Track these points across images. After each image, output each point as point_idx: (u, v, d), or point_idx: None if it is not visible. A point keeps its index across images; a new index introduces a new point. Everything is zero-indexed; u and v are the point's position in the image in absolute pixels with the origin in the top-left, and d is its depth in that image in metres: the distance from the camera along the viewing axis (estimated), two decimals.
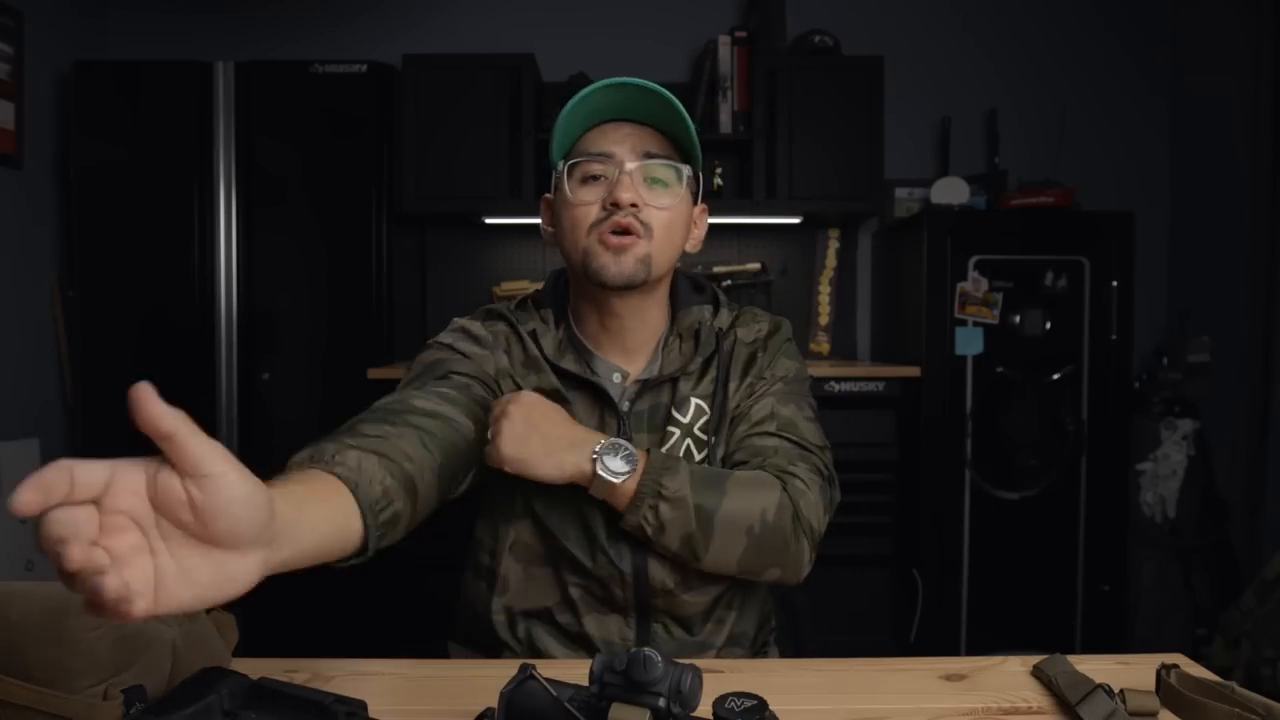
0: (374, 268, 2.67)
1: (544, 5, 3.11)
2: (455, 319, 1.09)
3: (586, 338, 1.06)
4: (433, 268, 3.13)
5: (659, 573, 0.99)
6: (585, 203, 0.98)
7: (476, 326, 1.06)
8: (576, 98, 0.96)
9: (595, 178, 0.98)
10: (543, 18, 3.10)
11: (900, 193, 3.02)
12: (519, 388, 1.01)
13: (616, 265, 0.97)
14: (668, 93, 0.95)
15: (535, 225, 3.00)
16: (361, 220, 2.67)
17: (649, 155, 0.98)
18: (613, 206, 0.96)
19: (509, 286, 2.99)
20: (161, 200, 2.64)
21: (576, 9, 3.11)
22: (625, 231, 0.96)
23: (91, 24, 2.99)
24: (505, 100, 2.78)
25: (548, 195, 1.07)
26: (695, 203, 1.06)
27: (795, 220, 2.98)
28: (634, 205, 0.96)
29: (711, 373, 1.06)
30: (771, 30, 2.86)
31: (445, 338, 1.05)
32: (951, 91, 3.10)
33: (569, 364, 1.03)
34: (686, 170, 1.00)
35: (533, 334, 1.04)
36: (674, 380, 1.04)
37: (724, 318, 1.09)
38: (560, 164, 0.99)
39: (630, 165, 0.97)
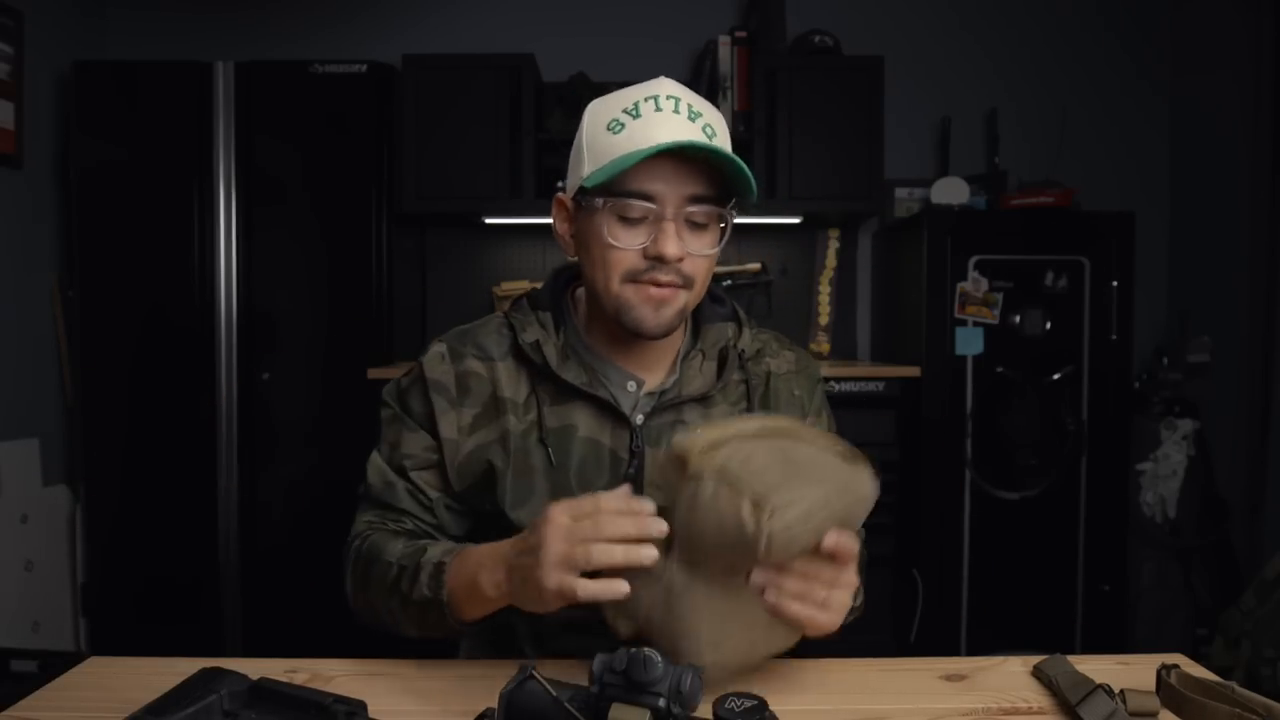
0: (374, 268, 2.67)
1: (544, 5, 3.11)
2: (427, 353, 1.03)
3: (597, 344, 1.02)
4: (433, 268, 3.13)
5: None
6: (624, 246, 0.91)
7: (437, 368, 1.01)
8: (652, 148, 0.86)
9: (635, 214, 0.91)
10: (542, 17, 3.10)
11: (900, 193, 3.02)
12: (499, 410, 0.99)
13: (656, 319, 0.93)
14: (737, 160, 0.88)
15: (535, 225, 3.02)
16: (361, 220, 2.67)
17: (695, 199, 0.91)
18: (656, 259, 0.91)
19: (509, 286, 2.99)
20: (161, 200, 2.64)
21: (576, 9, 3.11)
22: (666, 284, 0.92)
23: (91, 24, 2.99)
24: (505, 100, 2.78)
25: (562, 196, 1.00)
26: None
27: (795, 220, 2.98)
28: (679, 259, 0.91)
29: (742, 402, 1.03)
30: (771, 30, 2.86)
31: (411, 400, 1.01)
32: (951, 91, 3.10)
33: (572, 375, 0.98)
34: (732, 214, 0.94)
35: (535, 345, 0.98)
36: (701, 401, 1.00)
37: (746, 338, 1.05)
38: (599, 200, 0.91)
39: (673, 211, 0.90)
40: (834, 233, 3.11)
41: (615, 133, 0.90)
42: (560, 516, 0.75)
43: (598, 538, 0.73)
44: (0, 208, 2.61)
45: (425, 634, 0.92)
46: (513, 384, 0.99)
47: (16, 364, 2.65)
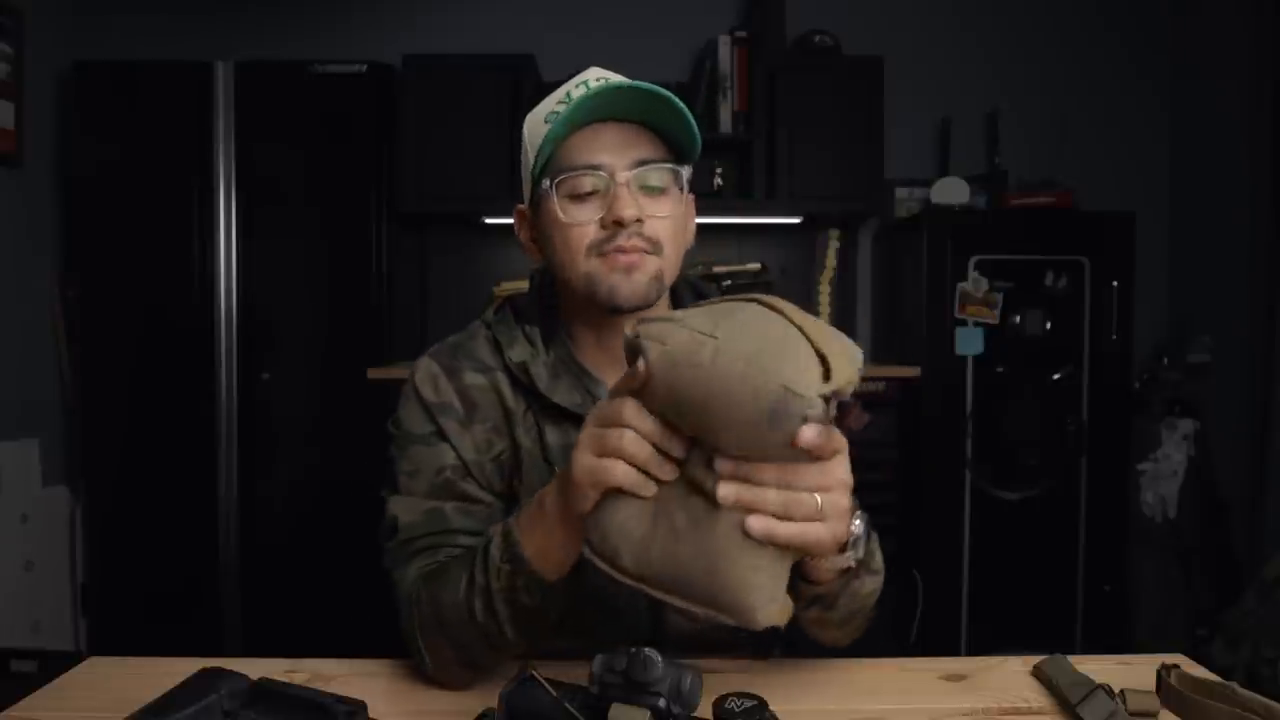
0: (374, 268, 2.67)
1: (544, 5, 3.11)
2: (418, 374, 0.96)
3: (584, 358, 0.96)
4: (433, 268, 3.13)
5: (676, 618, 0.94)
6: (580, 222, 0.88)
7: (435, 390, 0.94)
8: (569, 109, 0.85)
9: (585, 191, 0.88)
10: (542, 17, 3.10)
11: (900, 193, 3.02)
12: (509, 422, 0.94)
13: (629, 285, 0.87)
14: (664, 91, 0.85)
15: None
16: (361, 220, 2.67)
17: (642, 162, 0.88)
18: (614, 225, 0.86)
19: (509, 286, 2.98)
20: (161, 200, 2.64)
21: (576, 9, 3.11)
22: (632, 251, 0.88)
23: (91, 24, 2.99)
24: (505, 100, 2.77)
25: (521, 206, 0.98)
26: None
27: (795, 220, 2.98)
28: (637, 221, 0.87)
29: None
30: (771, 30, 2.86)
31: (416, 423, 0.94)
32: (951, 91, 3.09)
33: (563, 395, 0.92)
34: (686, 171, 0.91)
35: (522, 366, 0.93)
36: None
37: None
38: (545, 182, 0.89)
39: (623, 175, 0.87)
40: (834, 233, 3.11)
41: (551, 122, 0.89)
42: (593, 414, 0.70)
43: (620, 453, 0.67)
44: (0, 208, 2.61)
45: (527, 627, 0.81)
46: (513, 397, 0.95)
47: (16, 364, 2.65)
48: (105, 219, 2.64)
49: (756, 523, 0.62)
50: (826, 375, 0.62)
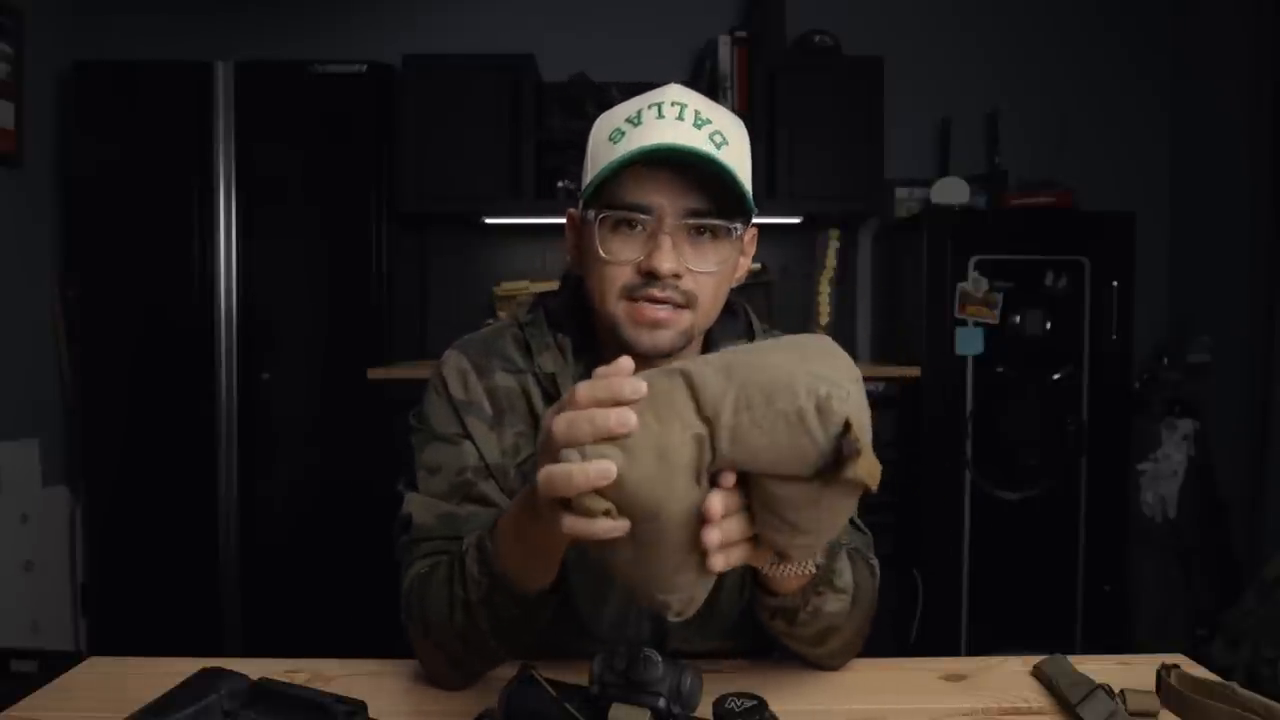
0: (374, 268, 2.67)
1: (544, 5, 3.11)
2: (446, 367, 0.94)
3: None
4: (433, 268, 3.13)
5: (679, 632, 0.92)
6: (618, 261, 0.84)
7: (464, 387, 0.92)
8: (631, 153, 0.80)
9: (630, 225, 0.84)
10: (542, 17, 3.10)
11: (900, 193, 3.01)
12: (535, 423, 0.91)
13: (652, 339, 0.84)
14: (724, 162, 0.80)
15: (535, 225, 3.02)
16: (361, 220, 2.67)
17: (693, 212, 0.83)
18: (649, 275, 0.82)
19: (509, 286, 2.98)
20: (161, 200, 2.64)
21: (576, 9, 3.11)
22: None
23: (91, 24, 2.99)
24: (505, 100, 2.78)
25: (573, 211, 0.93)
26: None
27: (795, 220, 2.98)
28: (676, 276, 0.83)
29: None
30: (771, 30, 2.87)
31: (442, 420, 0.92)
32: (951, 91, 3.09)
33: None
34: (738, 228, 0.85)
35: (551, 378, 0.91)
36: None
37: None
38: (590, 212, 0.85)
39: (670, 223, 0.82)
40: (834, 233, 3.11)
41: (615, 142, 0.84)
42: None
43: (575, 441, 0.58)
44: (0, 208, 2.61)
45: (511, 636, 0.80)
46: (542, 404, 0.92)
47: (16, 364, 2.65)
48: (105, 219, 2.64)
49: (713, 537, 0.57)
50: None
